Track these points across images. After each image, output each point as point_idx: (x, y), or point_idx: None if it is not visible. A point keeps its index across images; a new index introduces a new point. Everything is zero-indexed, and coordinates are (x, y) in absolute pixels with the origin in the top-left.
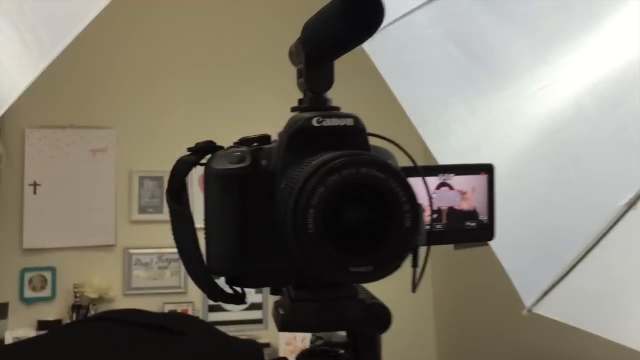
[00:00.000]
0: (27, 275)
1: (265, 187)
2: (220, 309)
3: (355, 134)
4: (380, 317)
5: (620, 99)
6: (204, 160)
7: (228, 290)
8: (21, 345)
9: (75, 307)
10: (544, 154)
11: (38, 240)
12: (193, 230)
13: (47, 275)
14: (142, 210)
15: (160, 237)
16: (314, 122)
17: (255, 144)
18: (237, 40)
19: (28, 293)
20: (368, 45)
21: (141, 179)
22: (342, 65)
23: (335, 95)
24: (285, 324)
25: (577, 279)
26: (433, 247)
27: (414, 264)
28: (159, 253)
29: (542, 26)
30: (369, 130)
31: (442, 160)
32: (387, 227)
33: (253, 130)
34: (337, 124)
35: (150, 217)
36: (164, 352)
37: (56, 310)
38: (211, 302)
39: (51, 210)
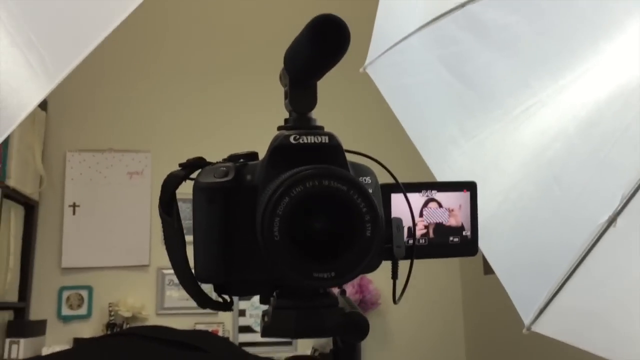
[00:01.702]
0: (65, 294)
1: (248, 200)
2: (250, 330)
3: (330, 150)
4: (357, 325)
5: (596, 119)
6: (194, 175)
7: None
8: (56, 356)
9: (110, 326)
10: (531, 173)
11: (76, 259)
12: (182, 240)
13: (84, 293)
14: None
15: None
16: (292, 139)
17: (241, 160)
18: (275, 61)
19: (65, 311)
20: (372, 71)
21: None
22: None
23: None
24: (266, 330)
25: (568, 296)
26: (466, 274)
27: (394, 276)
28: None
29: (523, 50)
30: (354, 147)
31: (442, 180)
32: (349, 236)
33: None
34: (313, 141)
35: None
36: None
37: (92, 328)
38: (242, 323)
39: (89, 230)
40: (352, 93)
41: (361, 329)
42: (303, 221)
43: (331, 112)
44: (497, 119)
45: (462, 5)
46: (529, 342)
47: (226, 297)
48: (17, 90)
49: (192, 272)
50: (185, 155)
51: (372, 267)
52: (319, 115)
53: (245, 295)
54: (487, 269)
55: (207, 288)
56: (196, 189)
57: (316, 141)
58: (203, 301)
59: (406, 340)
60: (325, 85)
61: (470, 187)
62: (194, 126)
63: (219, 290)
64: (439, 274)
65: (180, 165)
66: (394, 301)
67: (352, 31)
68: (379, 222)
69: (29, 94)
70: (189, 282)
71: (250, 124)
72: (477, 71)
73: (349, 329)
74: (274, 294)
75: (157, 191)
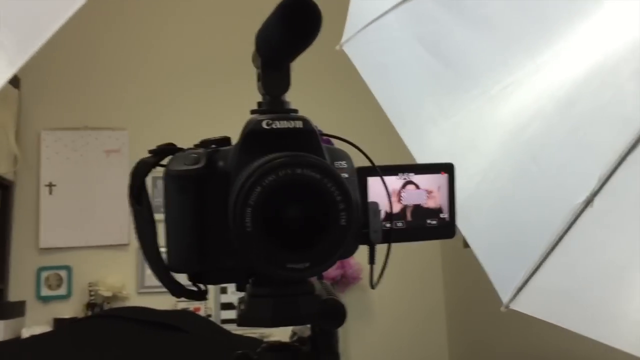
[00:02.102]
0: (44, 274)
1: (221, 187)
2: (232, 307)
3: (304, 135)
4: (335, 312)
5: (574, 98)
6: (164, 162)
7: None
8: (36, 339)
9: (90, 305)
10: (508, 153)
11: (54, 239)
12: (153, 229)
13: (63, 274)
14: (155, 210)
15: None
16: (264, 124)
17: (213, 145)
18: (250, 41)
19: (44, 291)
20: (349, 49)
21: (154, 179)
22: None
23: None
24: (242, 319)
25: (545, 275)
26: (446, 247)
27: (371, 261)
28: None
29: (500, 28)
30: (329, 131)
31: (421, 160)
32: (323, 225)
33: None
34: (286, 126)
35: (162, 216)
36: (165, 348)
37: (72, 308)
38: (223, 300)
39: (66, 210)
40: (328, 71)
41: (338, 316)
42: (276, 211)
43: (305, 91)
44: (475, 98)
45: None
46: (509, 313)
47: (201, 285)
48: None
49: (164, 262)
50: (162, 132)
51: (349, 253)
52: (293, 95)
53: (220, 283)
54: (467, 242)
55: (182, 276)
56: (167, 177)
57: (289, 126)
58: (177, 291)
59: (388, 314)
60: (300, 63)
61: (447, 169)
62: (171, 104)
63: (193, 279)
64: (419, 246)
65: (150, 151)
66: (371, 286)
67: (327, 7)
68: (353, 211)
69: None
70: (161, 272)
71: (227, 103)
72: (455, 49)
73: (326, 317)
74: (250, 281)
75: None
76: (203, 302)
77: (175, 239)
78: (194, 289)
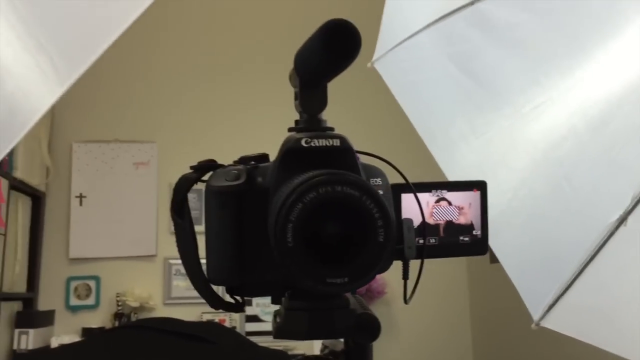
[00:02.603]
0: (73, 284)
1: (260, 202)
2: (257, 320)
3: (342, 153)
4: (369, 326)
5: (607, 118)
6: (205, 178)
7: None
8: (65, 348)
9: (118, 315)
10: (540, 171)
11: (83, 250)
12: (193, 242)
13: (92, 284)
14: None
15: (200, 247)
16: (303, 142)
17: (252, 162)
18: (284, 56)
19: (73, 301)
20: (380, 67)
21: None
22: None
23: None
24: (278, 332)
25: (577, 293)
26: (472, 263)
27: (405, 276)
28: None
29: (532, 48)
30: (361, 148)
31: (451, 177)
32: (362, 241)
33: None
34: (324, 144)
35: (201, 229)
36: (193, 358)
37: (100, 318)
38: (248, 313)
39: (96, 221)
40: (360, 89)
41: (372, 330)
42: (316, 227)
43: (339, 109)
44: (507, 116)
45: (472, 3)
46: (538, 331)
47: (238, 297)
48: (29, 95)
49: (204, 275)
50: (191, 145)
51: (384, 268)
52: (327, 111)
53: (258, 296)
54: (493, 258)
55: (219, 288)
56: (208, 192)
57: (327, 144)
58: (216, 302)
59: (412, 329)
60: (333, 81)
61: (480, 187)
62: (200, 116)
63: (231, 291)
64: (445, 262)
65: (191, 167)
66: (405, 301)
67: (359, 25)
68: (391, 227)
69: (40, 97)
70: (201, 284)
71: (255, 116)
72: (487, 69)
73: (361, 330)
74: (286, 294)
75: (163, 181)
76: (228, 314)
77: (216, 253)
78: (232, 301)
